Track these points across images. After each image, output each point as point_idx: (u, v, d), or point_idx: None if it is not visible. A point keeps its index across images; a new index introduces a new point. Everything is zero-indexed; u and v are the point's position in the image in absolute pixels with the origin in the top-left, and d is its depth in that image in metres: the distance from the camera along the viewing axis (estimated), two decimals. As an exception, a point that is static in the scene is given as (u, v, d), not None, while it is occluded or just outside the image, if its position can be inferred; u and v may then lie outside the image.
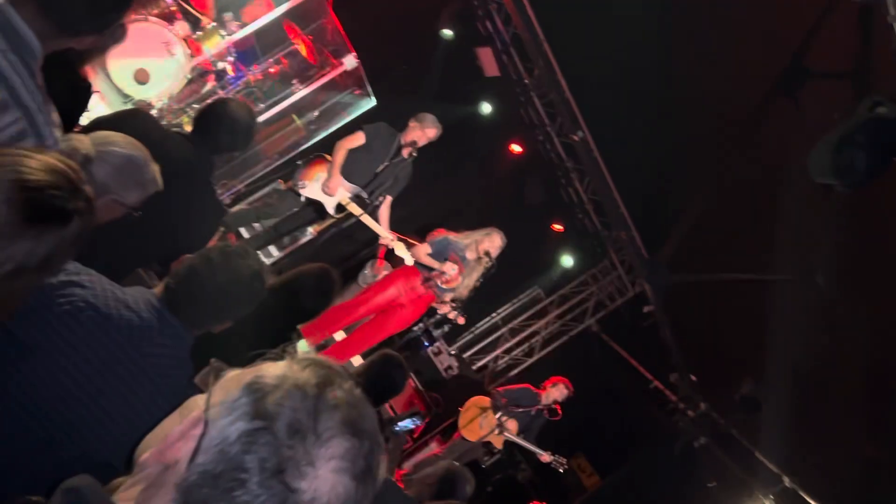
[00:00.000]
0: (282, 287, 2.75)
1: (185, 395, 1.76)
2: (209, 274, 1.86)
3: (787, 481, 6.83)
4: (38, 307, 1.55)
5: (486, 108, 7.98)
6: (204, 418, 0.89)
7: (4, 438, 1.51)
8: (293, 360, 0.93)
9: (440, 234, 6.00)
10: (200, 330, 1.91)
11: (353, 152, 5.66)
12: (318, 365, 0.94)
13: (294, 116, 6.22)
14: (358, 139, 5.65)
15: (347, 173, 5.68)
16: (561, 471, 7.06)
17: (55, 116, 1.67)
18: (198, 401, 0.94)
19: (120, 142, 2.06)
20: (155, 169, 2.09)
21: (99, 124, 2.94)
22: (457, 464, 3.45)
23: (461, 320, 6.07)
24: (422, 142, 5.60)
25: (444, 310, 6.01)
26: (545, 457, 6.99)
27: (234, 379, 0.92)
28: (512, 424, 7.04)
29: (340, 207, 5.73)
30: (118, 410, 1.60)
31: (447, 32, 7.49)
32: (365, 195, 5.70)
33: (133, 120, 2.73)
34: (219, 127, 2.94)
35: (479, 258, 5.73)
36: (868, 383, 6.14)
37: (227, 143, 2.98)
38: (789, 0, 5.35)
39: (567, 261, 8.84)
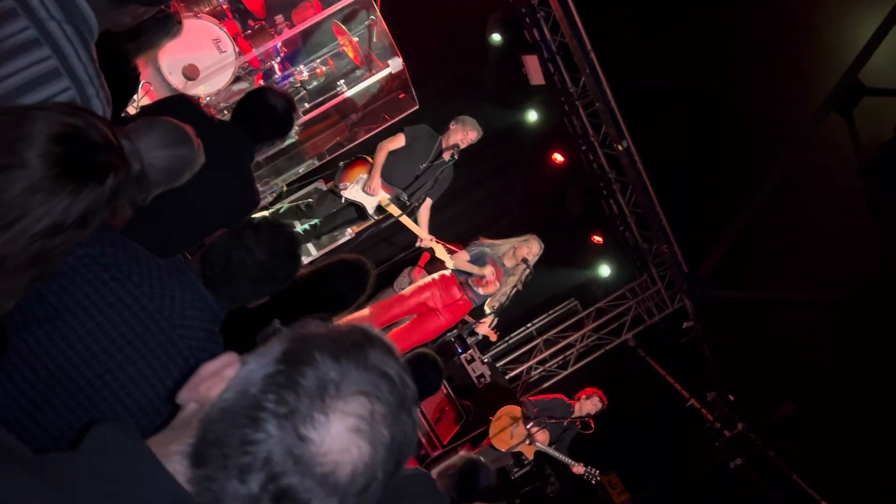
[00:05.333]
0: (316, 273, 2.75)
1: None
2: (246, 250, 1.86)
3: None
4: (70, 271, 1.56)
5: (529, 115, 7.95)
6: (240, 362, 0.90)
7: (31, 401, 1.52)
8: (344, 324, 0.93)
9: (477, 241, 6.01)
10: (236, 305, 1.91)
11: (393, 154, 5.69)
12: (367, 333, 0.92)
13: (338, 117, 6.27)
14: (398, 141, 5.70)
15: (388, 175, 5.71)
16: (593, 482, 6.95)
17: (107, 91, 1.68)
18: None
19: (170, 139, 2.02)
20: (200, 150, 2.09)
21: (146, 111, 2.99)
22: (477, 456, 3.42)
23: (493, 336, 6.05)
24: (463, 144, 5.62)
25: (480, 329, 6.01)
26: (578, 468, 6.88)
27: (284, 333, 0.92)
28: (542, 435, 6.96)
29: (381, 209, 5.76)
30: (146, 380, 1.60)
31: (496, 38, 7.49)
32: (405, 197, 5.72)
33: (178, 104, 2.76)
34: (258, 114, 2.95)
35: (517, 265, 5.71)
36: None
37: (266, 131, 2.99)
38: (846, 14, 5.23)
39: (606, 273, 8.74)
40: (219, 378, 0.89)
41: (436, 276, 6.05)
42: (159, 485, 0.81)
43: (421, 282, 6.19)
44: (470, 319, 6.09)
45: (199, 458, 0.83)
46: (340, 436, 0.82)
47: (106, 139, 1.16)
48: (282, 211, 6.26)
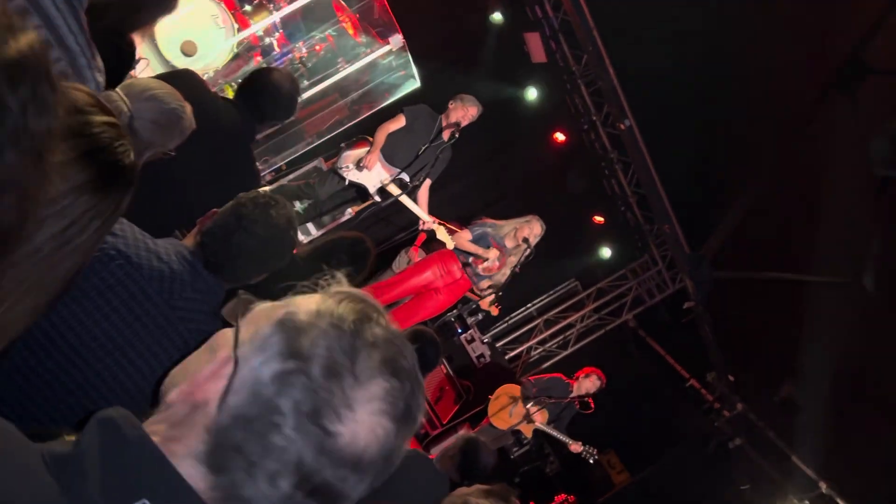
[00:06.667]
0: (317, 250, 2.73)
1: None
2: (244, 229, 1.83)
3: (823, 487, 6.66)
4: None
5: (531, 94, 7.88)
6: (234, 356, 0.85)
7: (29, 383, 1.50)
8: (327, 294, 0.89)
9: (479, 221, 5.97)
10: (237, 284, 1.88)
11: (394, 135, 5.66)
12: (354, 299, 0.89)
13: (338, 95, 6.21)
14: (399, 121, 5.66)
15: (389, 156, 5.67)
16: (591, 461, 6.95)
17: (98, 61, 1.64)
18: (226, 335, 0.89)
19: (157, 92, 2.03)
20: (189, 111, 2.07)
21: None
22: (477, 435, 3.43)
23: (495, 311, 6.02)
24: (464, 122, 5.57)
25: (483, 304, 5.97)
26: (576, 446, 6.87)
27: (264, 314, 0.88)
28: (541, 414, 6.97)
29: (383, 191, 5.72)
30: (146, 362, 1.59)
31: (497, 17, 7.41)
32: (406, 178, 5.68)
33: (180, 80, 2.72)
34: (262, 95, 2.94)
35: (518, 245, 5.67)
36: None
37: (270, 112, 2.98)
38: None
39: (606, 253, 8.71)
40: (216, 377, 0.85)
41: (435, 254, 6.02)
42: (172, 489, 0.79)
43: (420, 260, 6.16)
44: (473, 297, 6.05)
45: (218, 465, 0.81)
46: (366, 421, 0.82)
47: (128, 142, 1.10)
48: (282, 190, 6.22)
